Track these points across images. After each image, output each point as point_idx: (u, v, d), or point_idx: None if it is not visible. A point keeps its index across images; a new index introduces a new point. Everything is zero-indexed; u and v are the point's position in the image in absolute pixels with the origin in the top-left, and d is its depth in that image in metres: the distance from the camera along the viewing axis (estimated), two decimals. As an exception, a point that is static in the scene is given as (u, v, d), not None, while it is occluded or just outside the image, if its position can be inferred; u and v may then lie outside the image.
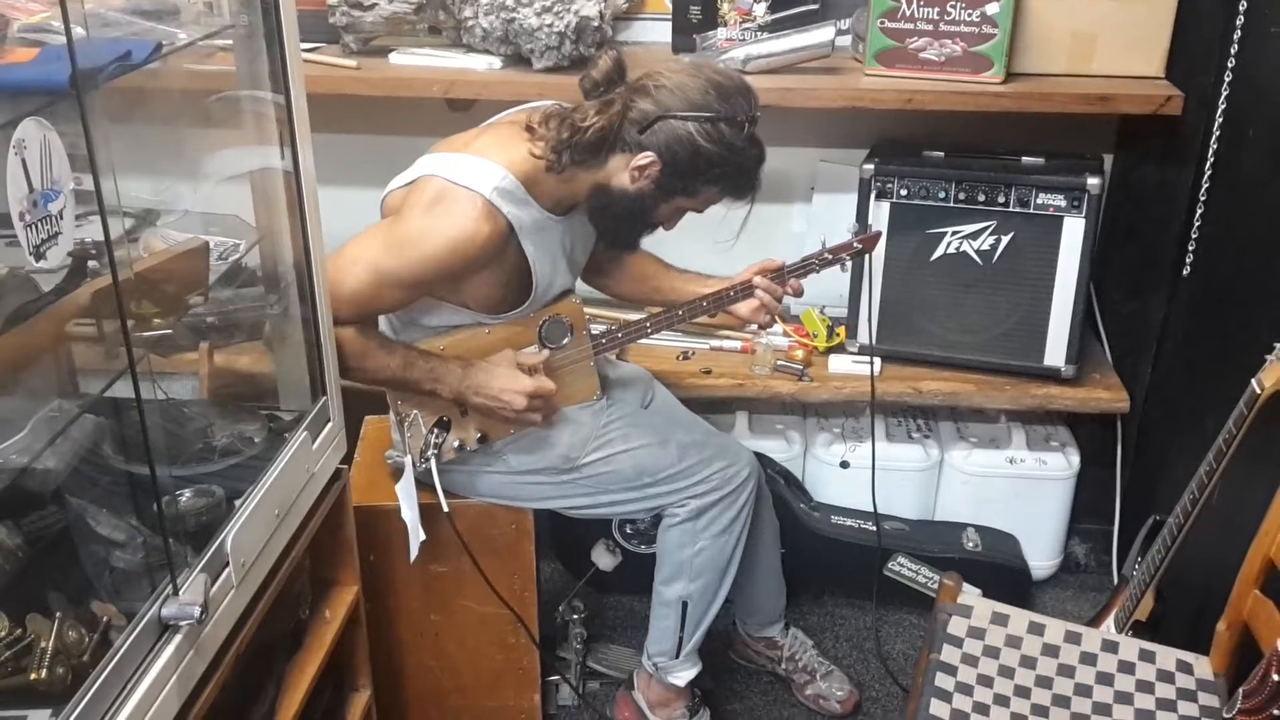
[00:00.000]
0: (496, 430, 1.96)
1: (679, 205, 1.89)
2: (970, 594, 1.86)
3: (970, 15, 2.21)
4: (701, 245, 2.11)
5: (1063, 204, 2.27)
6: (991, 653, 1.73)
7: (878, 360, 2.41)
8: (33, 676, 1.11)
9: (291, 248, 1.55)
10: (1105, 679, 1.69)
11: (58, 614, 1.17)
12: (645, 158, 1.79)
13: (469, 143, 1.84)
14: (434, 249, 1.74)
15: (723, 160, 1.80)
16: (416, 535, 1.94)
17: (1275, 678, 1.24)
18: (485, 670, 2.16)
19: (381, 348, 1.84)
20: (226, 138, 1.56)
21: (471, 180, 1.75)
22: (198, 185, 1.59)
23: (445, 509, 1.91)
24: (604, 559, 2.44)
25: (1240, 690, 1.31)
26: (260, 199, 1.57)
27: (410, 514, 1.94)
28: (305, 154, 1.48)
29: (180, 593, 1.22)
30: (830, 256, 2.08)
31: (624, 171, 1.81)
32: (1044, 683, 1.69)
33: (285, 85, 1.43)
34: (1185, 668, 1.70)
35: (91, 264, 1.25)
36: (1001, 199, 2.29)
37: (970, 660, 1.72)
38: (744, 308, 2.08)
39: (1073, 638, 1.76)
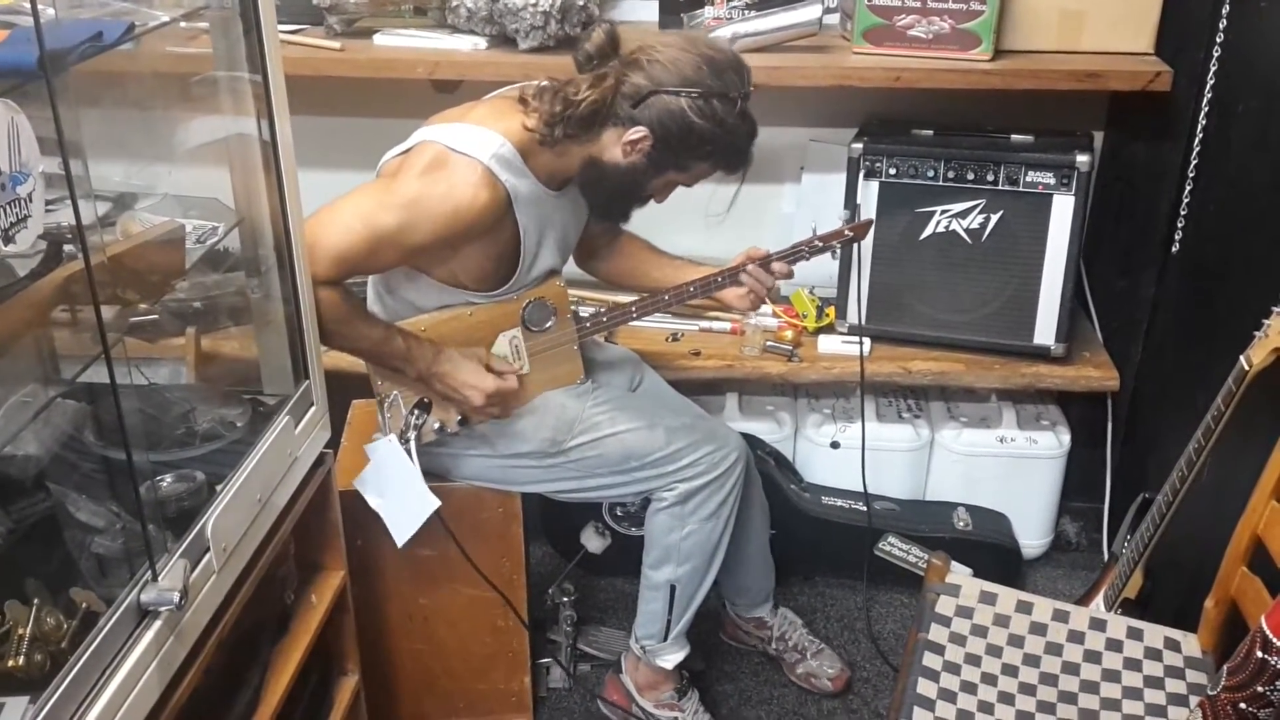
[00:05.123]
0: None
1: (670, 179, 1.89)
2: (960, 573, 1.86)
3: (958, -8, 2.20)
4: (692, 220, 2.10)
5: (1052, 182, 2.25)
6: (979, 632, 1.73)
7: (867, 340, 2.40)
8: (10, 664, 1.11)
9: (271, 230, 1.54)
10: (1093, 657, 1.70)
11: (35, 600, 1.16)
12: (637, 132, 1.78)
13: (465, 114, 1.83)
14: (432, 213, 1.72)
15: (714, 136, 1.80)
16: (393, 524, 1.93)
17: (1259, 654, 1.23)
18: (475, 654, 2.16)
19: (363, 319, 1.82)
20: (204, 119, 1.55)
21: (470, 147, 1.74)
22: (175, 167, 1.58)
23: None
24: (593, 541, 2.44)
25: (1224, 667, 1.31)
26: (239, 181, 1.55)
27: (377, 500, 1.93)
28: (284, 132, 1.47)
29: (159, 578, 1.21)
30: (820, 244, 2.08)
31: (616, 146, 1.81)
32: (1031, 661, 1.69)
33: (263, 66, 1.42)
34: (1173, 645, 1.70)
35: (67, 248, 1.24)
36: (990, 177, 2.28)
37: (958, 639, 1.72)
38: (731, 294, 2.09)
39: (1060, 616, 1.76)
